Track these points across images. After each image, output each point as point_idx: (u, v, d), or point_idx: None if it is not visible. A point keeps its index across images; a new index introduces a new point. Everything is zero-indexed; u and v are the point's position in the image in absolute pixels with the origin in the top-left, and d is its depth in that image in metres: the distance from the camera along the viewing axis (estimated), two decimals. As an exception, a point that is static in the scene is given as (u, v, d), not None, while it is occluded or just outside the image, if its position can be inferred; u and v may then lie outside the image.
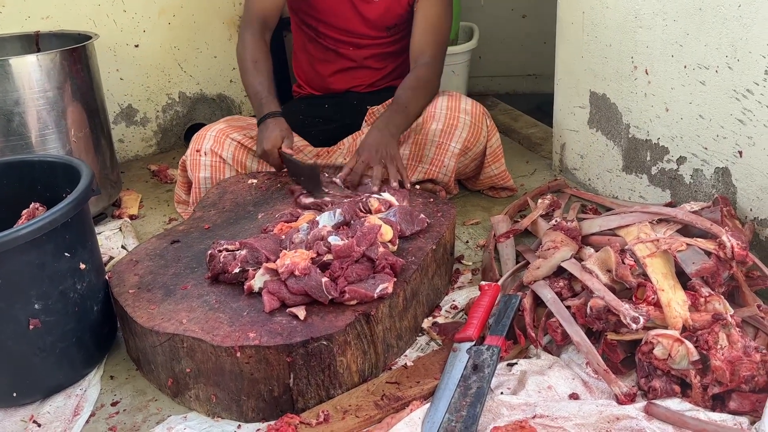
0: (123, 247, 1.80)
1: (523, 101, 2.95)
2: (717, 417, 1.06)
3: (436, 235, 1.44)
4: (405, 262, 1.31)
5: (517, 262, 1.54)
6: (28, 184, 1.42)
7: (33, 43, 2.06)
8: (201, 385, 1.18)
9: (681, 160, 1.58)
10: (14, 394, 1.22)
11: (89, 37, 1.89)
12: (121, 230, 1.89)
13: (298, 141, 1.86)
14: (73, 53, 1.80)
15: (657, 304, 1.18)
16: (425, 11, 1.84)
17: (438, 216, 1.52)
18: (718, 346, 1.09)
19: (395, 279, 1.25)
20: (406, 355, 1.30)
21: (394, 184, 1.59)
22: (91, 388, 1.28)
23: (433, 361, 1.24)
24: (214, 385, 1.16)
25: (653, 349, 1.12)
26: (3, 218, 1.39)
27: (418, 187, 1.74)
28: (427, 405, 1.13)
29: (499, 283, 1.42)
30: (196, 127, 2.41)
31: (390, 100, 1.87)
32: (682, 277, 1.23)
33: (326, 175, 1.76)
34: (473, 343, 1.23)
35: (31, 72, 1.72)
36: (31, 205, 1.39)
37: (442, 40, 1.86)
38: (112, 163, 2.02)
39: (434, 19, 1.84)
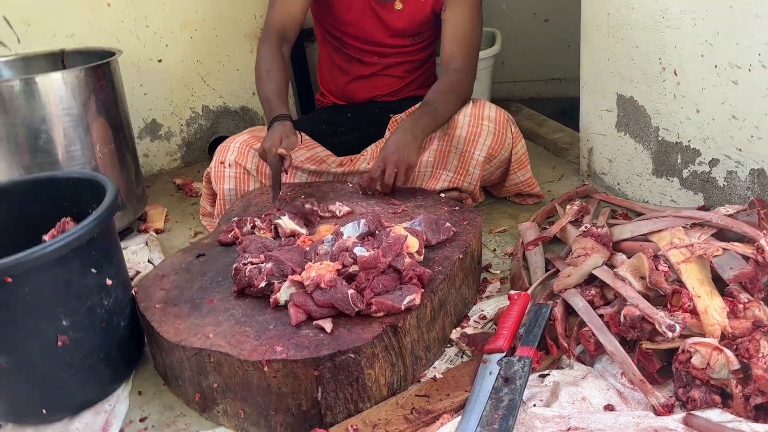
0: (149, 261, 1.81)
1: (547, 106, 2.91)
2: (760, 428, 1.01)
3: (463, 243, 1.41)
4: (432, 272, 1.29)
5: (547, 270, 1.51)
6: (55, 201, 1.43)
7: (58, 60, 2.08)
8: (229, 399, 1.17)
9: (714, 162, 1.54)
10: (44, 411, 1.22)
11: (113, 54, 1.90)
12: (147, 244, 1.90)
13: (321, 151, 1.86)
14: (98, 70, 1.81)
15: (693, 312, 1.15)
16: (454, 19, 1.82)
17: (464, 224, 1.50)
18: (760, 354, 1.05)
19: (422, 290, 1.23)
20: (434, 367, 1.28)
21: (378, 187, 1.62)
22: (119, 404, 1.28)
23: (462, 373, 1.22)
24: (242, 399, 1.15)
25: (691, 358, 1.08)
26: (30, 235, 1.40)
27: (443, 195, 1.72)
28: (458, 418, 1.11)
29: (529, 291, 1.39)
30: (219, 140, 2.42)
31: (413, 107, 1.86)
32: (718, 283, 1.19)
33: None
34: (504, 354, 1.20)
35: (57, 89, 1.73)
36: (61, 220, 1.40)
37: (473, 47, 1.85)
38: (137, 178, 2.03)
39: (464, 26, 1.82)
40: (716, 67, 1.46)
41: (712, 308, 1.14)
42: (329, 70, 2.07)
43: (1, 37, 2.15)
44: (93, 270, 1.21)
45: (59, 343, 1.17)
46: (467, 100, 1.83)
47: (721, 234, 1.32)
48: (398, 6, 1.86)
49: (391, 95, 2.02)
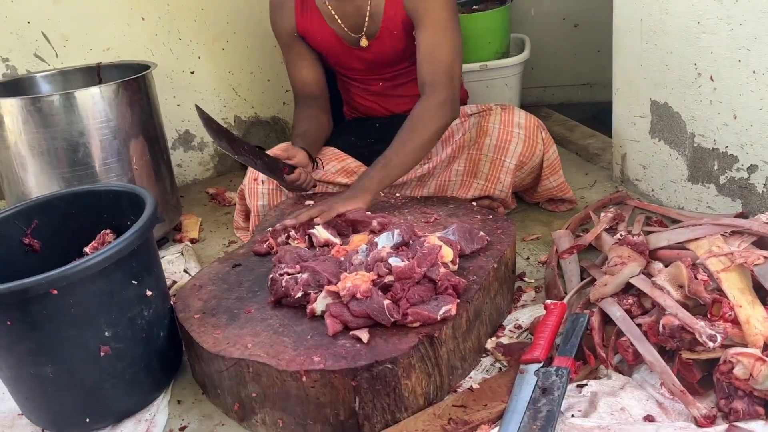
0: (185, 270, 1.83)
1: (577, 111, 2.89)
2: (806, 441, 1.00)
3: (497, 252, 1.41)
4: (467, 282, 1.29)
5: (582, 279, 1.50)
6: (95, 213, 1.46)
7: (95, 74, 2.13)
8: (267, 409, 1.18)
9: (752, 168, 1.51)
10: (87, 420, 1.25)
11: (148, 67, 1.94)
12: (182, 254, 1.93)
13: (351, 162, 1.87)
14: (134, 83, 1.85)
15: (734, 321, 1.13)
16: (423, 41, 1.73)
17: (498, 233, 1.49)
18: (805, 365, 1.04)
19: (458, 300, 1.23)
20: (470, 377, 1.28)
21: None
22: (159, 413, 1.30)
23: (499, 383, 1.21)
24: (280, 409, 1.16)
25: (733, 368, 1.07)
26: (71, 246, 1.43)
27: (475, 204, 1.72)
28: (496, 429, 1.11)
29: (565, 301, 1.38)
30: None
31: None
32: (760, 292, 1.18)
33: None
34: (541, 364, 1.20)
35: (95, 103, 1.77)
36: (101, 232, 1.43)
37: (446, 68, 1.71)
38: (172, 188, 2.07)
39: (431, 48, 1.71)
40: (754, 72, 1.44)
41: (754, 318, 1.12)
42: (347, 92, 2.07)
43: (40, 53, 2.20)
44: (134, 282, 1.23)
45: (102, 354, 1.20)
46: (444, 121, 1.70)
47: (762, 242, 1.30)
48: (364, 43, 1.81)
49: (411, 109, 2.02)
